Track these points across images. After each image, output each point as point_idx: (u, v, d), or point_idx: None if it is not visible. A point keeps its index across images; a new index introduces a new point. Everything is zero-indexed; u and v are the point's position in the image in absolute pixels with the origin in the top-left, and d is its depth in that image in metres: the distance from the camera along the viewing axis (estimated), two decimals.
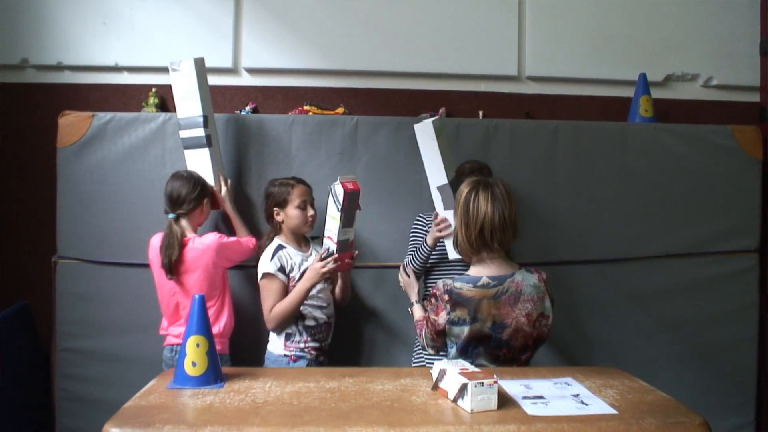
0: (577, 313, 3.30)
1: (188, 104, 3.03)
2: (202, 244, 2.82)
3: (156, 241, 2.89)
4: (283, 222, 2.88)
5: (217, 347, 2.77)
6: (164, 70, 3.54)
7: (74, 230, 3.21)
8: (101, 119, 3.21)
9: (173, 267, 2.79)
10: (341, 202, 2.60)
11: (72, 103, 3.52)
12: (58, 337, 3.22)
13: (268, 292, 2.79)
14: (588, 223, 3.36)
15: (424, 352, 2.88)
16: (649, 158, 3.40)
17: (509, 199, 2.25)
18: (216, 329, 2.79)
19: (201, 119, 3.01)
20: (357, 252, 2.83)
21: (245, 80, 3.74)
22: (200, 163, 3.00)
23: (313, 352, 2.84)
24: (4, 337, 3.17)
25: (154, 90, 3.58)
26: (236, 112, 3.49)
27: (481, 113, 3.64)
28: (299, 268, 2.84)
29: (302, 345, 2.82)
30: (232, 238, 2.95)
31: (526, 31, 3.80)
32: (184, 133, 3.04)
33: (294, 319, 2.81)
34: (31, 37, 3.64)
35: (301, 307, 2.80)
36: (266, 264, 2.81)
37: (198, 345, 2.04)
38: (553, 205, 3.32)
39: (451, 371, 1.91)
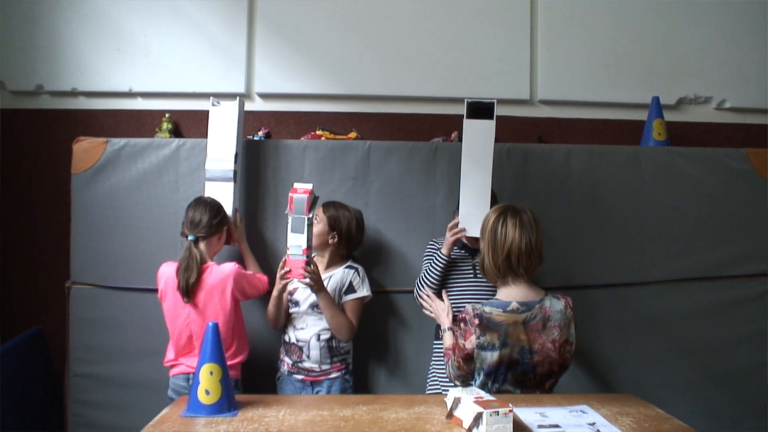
0: (592, 337, 3.24)
1: (223, 139, 3.10)
2: (221, 272, 2.80)
3: (167, 269, 2.86)
4: None
5: (231, 373, 2.79)
6: (178, 95, 3.64)
7: (88, 256, 3.21)
8: (115, 145, 3.22)
9: (190, 290, 2.75)
10: (288, 206, 2.69)
11: (86, 128, 3.55)
12: (71, 363, 3.21)
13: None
14: (602, 248, 3.33)
15: (440, 378, 2.87)
16: (663, 182, 3.36)
17: (536, 226, 2.27)
18: (228, 355, 2.78)
19: (233, 156, 3.07)
20: (311, 264, 2.74)
21: (258, 105, 3.76)
22: (221, 197, 3.01)
23: (287, 365, 2.96)
24: (18, 362, 3.18)
25: (167, 115, 3.61)
26: (249, 137, 3.49)
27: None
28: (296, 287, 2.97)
29: (281, 356, 3.01)
30: (249, 272, 2.95)
31: (538, 54, 3.81)
32: (211, 165, 3.08)
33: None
34: (46, 64, 3.68)
35: (286, 324, 2.98)
36: None
37: (212, 373, 2.03)
38: (566, 230, 3.28)
39: (466, 399, 1.89)
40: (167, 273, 2.85)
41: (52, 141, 3.63)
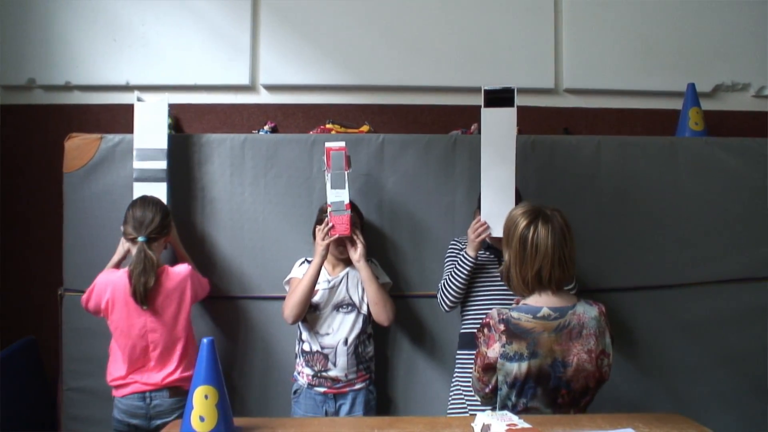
0: (626, 344, 3.09)
1: (152, 136, 2.99)
2: (178, 274, 2.69)
3: (111, 276, 2.69)
4: None
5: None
6: (179, 88, 3.56)
7: (82, 260, 3.04)
8: (109, 141, 3.08)
9: (148, 295, 2.59)
10: (325, 163, 2.73)
11: (81, 124, 3.44)
12: (64, 376, 3.07)
13: (288, 293, 2.83)
14: (635, 247, 3.17)
15: (464, 391, 2.71)
16: (701, 175, 3.20)
17: (569, 233, 2.06)
18: (186, 365, 2.68)
19: (165, 152, 2.97)
20: (352, 214, 2.72)
21: (263, 98, 3.65)
22: None
23: (307, 377, 2.81)
24: (10, 374, 3.05)
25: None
26: (254, 131, 3.37)
27: (516, 129, 3.42)
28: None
29: (299, 368, 2.86)
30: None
31: (563, 40, 3.71)
32: (140, 165, 2.96)
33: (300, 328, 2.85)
34: (37, 56, 3.57)
35: (303, 332, 2.82)
36: (292, 271, 2.90)
37: (206, 396, 1.81)
38: (596, 228, 3.12)
39: (497, 427, 1.67)
40: (114, 280, 2.67)
41: (45, 138, 3.50)
